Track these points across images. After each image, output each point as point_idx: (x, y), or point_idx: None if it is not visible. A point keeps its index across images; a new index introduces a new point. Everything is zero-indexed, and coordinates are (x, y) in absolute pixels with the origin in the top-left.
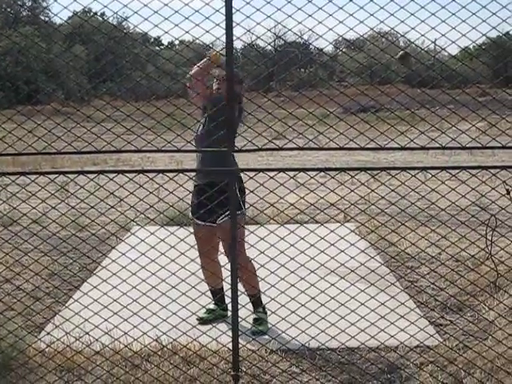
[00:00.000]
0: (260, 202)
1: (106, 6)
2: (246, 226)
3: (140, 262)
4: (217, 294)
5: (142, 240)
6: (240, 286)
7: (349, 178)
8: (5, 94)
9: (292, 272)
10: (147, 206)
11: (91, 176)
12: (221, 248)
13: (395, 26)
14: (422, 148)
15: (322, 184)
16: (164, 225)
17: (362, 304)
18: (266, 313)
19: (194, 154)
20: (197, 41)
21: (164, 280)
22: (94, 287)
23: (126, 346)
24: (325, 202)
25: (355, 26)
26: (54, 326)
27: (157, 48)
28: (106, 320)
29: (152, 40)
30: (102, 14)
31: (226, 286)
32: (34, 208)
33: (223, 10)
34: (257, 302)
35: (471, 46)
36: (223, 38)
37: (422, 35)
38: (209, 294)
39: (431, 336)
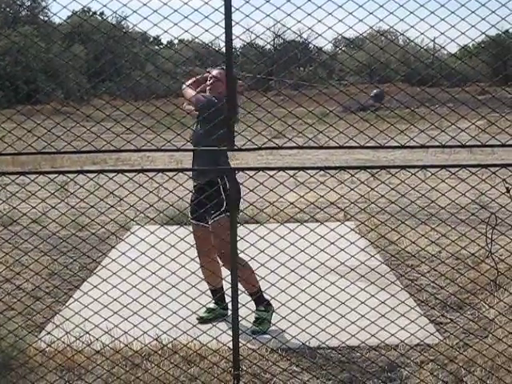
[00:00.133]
0: (260, 201)
1: (105, 6)
2: (245, 225)
3: (140, 262)
4: (217, 293)
5: (142, 239)
6: (240, 285)
7: (349, 177)
8: (4, 93)
9: (292, 271)
10: (147, 206)
11: (91, 175)
12: None
13: (395, 24)
14: (422, 146)
15: (321, 183)
16: (164, 224)
17: (362, 302)
18: (268, 310)
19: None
20: (196, 40)
21: (164, 279)
22: (94, 287)
23: (126, 346)
24: (325, 201)
25: (354, 25)
26: (55, 326)
27: (156, 47)
28: (106, 319)
29: (151, 39)
30: (101, 14)
31: (226, 285)
32: (33, 208)
33: (222, 9)
34: (257, 300)
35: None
36: (222, 37)
37: (422, 33)
38: (209, 293)
39: (431, 334)
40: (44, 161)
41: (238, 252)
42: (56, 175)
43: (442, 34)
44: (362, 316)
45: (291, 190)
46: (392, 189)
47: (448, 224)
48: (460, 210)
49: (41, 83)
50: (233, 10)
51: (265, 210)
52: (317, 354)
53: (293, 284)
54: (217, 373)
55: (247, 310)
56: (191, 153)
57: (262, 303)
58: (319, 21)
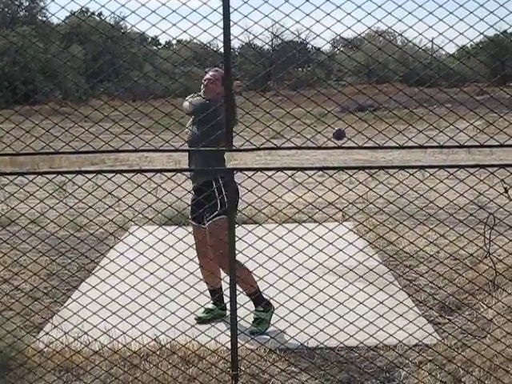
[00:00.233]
0: (258, 201)
1: (103, 6)
2: (244, 226)
3: (138, 262)
4: (215, 293)
5: (141, 240)
6: (238, 286)
7: (347, 177)
8: (2, 94)
9: (290, 271)
10: (145, 206)
11: (89, 176)
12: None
13: (393, 24)
14: (420, 147)
15: (320, 183)
16: (162, 224)
17: (361, 303)
18: (267, 311)
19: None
20: (194, 40)
21: (162, 280)
22: (93, 287)
23: (124, 346)
24: (323, 201)
25: (353, 25)
26: (53, 326)
27: (154, 48)
28: (104, 320)
29: (149, 39)
30: (100, 14)
31: (225, 286)
32: (32, 208)
33: (221, 10)
34: (256, 300)
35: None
36: (221, 38)
37: (420, 34)
38: (207, 293)
39: (430, 335)
40: (42, 161)
41: (236, 253)
42: (54, 175)
43: (441, 34)
44: (361, 316)
45: (289, 191)
46: (390, 189)
47: (446, 224)
48: (458, 211)
49: (39, 83)
50: (231, 10)
51: (263, 211)
52: (315, 354)
53: (291, 284)
54: (215, 373)
55: (246, 311)
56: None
57: (261, 303)
58: (317, 21)
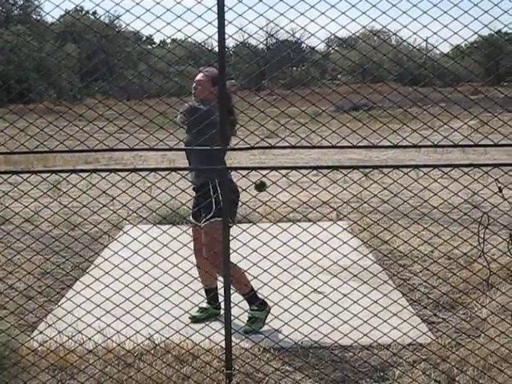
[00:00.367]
0: (252, 200)
1: (97, 5)
2: (238, 225)
3: (132, 261)
4: (210, 292)
5: (135, 239)
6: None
7: (341, 177)
8: None
9: (285, 270)
10: (140, 205)
11: (83, 175)
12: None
13: (387, 24)
14: (414, 146)
15: (314, 182)
16: (156, 223)
17: (355, 302)
18: (262, 310)
19: (187, 153)
20: (189, 39)
21: (156, 278)
22: (87, 286)
23: (118, 345)
24: (317, 201)
25: (347, 25)
26: (47, 325)
27: (149, 46)
28: (98, 319)
29: (144, 38)
30: (94, 13)
31: (220, 285)
32: (26, 207)
33: (215, 9)
34: (250, 299)
35: (463, 44)
36: (215, 37)
37: (414, 33)
38: (201, 292)
39: (424, 334)
40: (36, 160)
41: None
42: (48, 174)
43: (435, 33)
44: (355, 315)
45: (284, 190)
46: (384, 188)
47: (440, 223)
48: (452, 210)
49: (33, 82)
50: (226, 9)
51: (257, 210)
52: (309, 353)
53: (285, 283)
54: (209, 372)
55: (240, 310)
56: (184, 152)
57: (255, 302)
58: (312, 20)
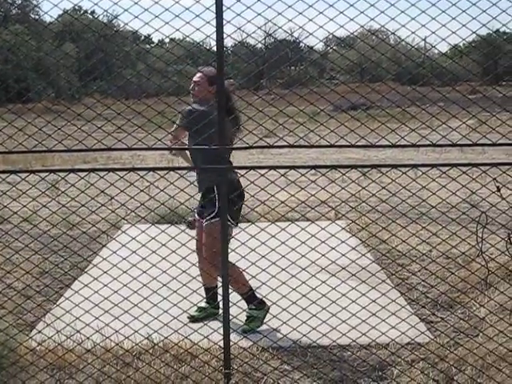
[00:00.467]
0: (251, 200)
1: (96, 4)
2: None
3: (131, 260)
4: (210, 291)
5: (133, 238)
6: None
7: (339, 176)
8: None
9: (283, 269)
10: (138, 204)
11: (82, 174)
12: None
13: (385, 23)
14: (413, 145)
15: (312, 181)
16: (155, 223)
17: (353, 301)
18: (260, 309)
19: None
20: (187, 38)
21: (155, 278)
22: (85, 285)
23: (117, 344)
24: (316, 200)
25: (345, 24)
26: (45, 325)
27: (147, 46)
28: (97, 318)
29: (142, 38)
30: (92, 12)
31: (219, 285)
32: (24, 206)
33: (213, 8)
34: (248, 299)
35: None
36: (213, 36)
37: (413, 33)
38: (200, 291)
39: (422, 333)
40: (35, 159)
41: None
42: (47, 174)
43: (433, 33)
44: (353, 315)
45: (282, 189)
46: (383, 188)
47: (439, 223)
48: (451, 209)
49: (31, 82)
50: (224, 8)
51: (256, 209)
52: (308, 352)
53: (284, 283)
54: (208, 371)
55: (238, 309)
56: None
57: (253, 302)
58: (310, 20)
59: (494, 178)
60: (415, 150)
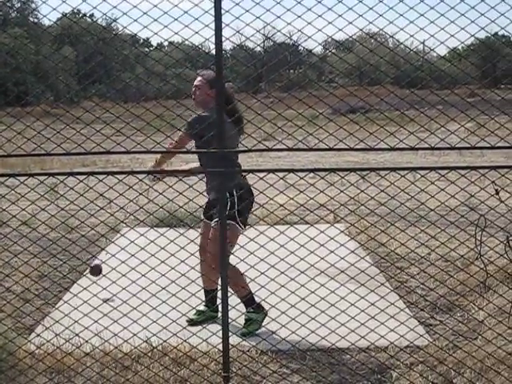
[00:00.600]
0: None
1: (95, 8)
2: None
3: (130, 264)
4: (209, 293)
5: (132, 241)
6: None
7: (338, 179)
8: None
9: (282, 273)
10: (137, 208)
11: (80, 177)
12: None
13: (384, 26)
14: (412, 148)
15: (311, 185)
16: (154, 226)
17: (352, 304)
18: (258, 312)
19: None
20: (186, 42)
21: (154, 281)
22: (84, 289)
23: (116, 348)
24: (314, 203)
25: (344, 27)
26: (44, 328)
27: (146, 49)
28: (95, 321)
29: (141, 41)
30: (91, 16)
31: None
32: (23, 210)
33: (212, 11)
34: (247, 302)
35: (460, 47)
36: (212, 39)
37: (411, 36)
38: (199, 295)
39: (421, 336)
40: (33, 163)
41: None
42: (46, 177)
43: (432, 36)
44: (352, 318)
45: (281, 192)
46: (382, 191)
47: (437, 226)
48: (449, 212)
49: (30, 85)
50: (223, 12)
51: (254, 212)
52: (307, 355)
53: (282, 286)
54: (206, 375)
55: (237, 312)
56: (180, 155)
57: (252, 305)
58: (309, 23)
59: (493, 181)
60: (414, 153)
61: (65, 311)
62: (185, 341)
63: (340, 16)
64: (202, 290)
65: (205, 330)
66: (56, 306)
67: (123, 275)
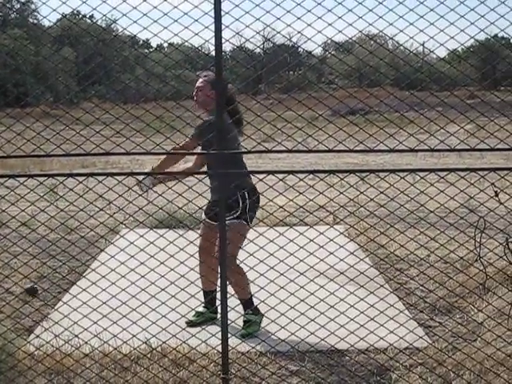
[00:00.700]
0: None
1: (94, 9)
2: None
3: (129, 265)
4: (208, 295)
5: (131, 242)
6: (230, 288)
7: (338, 181)
8: None
9: (281, 274)
10: (136, 209)
11: (80, 178)
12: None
13: (384, 28)
14: (411, 150)
15: (311, 186)
16: (153, 227)
17: (352, 306)
18: (257, 314)
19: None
20: (186, 43)
21: (153, 283)
22: (83, 290)
23: (115, 349)
24: (314, 205)
25: (344, 29)
26: (43, 329)
27: (146, 50)
28: (95, 323)
29: (141, 42)
30: (91, 17)
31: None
32: (22, 211)
33: (212, 13)
34: (247, 304)
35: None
36: (212, 41)
37: (411, 38)
38: (198, 296)
39: (420, 338)
40: (33, 164)
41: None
42: (45, 178)
43: (431, 38)
44: (351, 319)
45: (280, 194)
46: (381, 192)
47: (437, 228)
48: (449, 214)
49: (30, 86)
50: (222, 13)
51: None
52: (306, 357)
53: (282, 287)
54: (206, 376)
55: (236, 314)
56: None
57: (251, 307)
58: (309, 25)
59: (492, 183)
60: (413, 155)
61: (64, 312)
62: (184, 342)
63: (340, 18)
64: (201, 292)
65: (204, 331)
66: (55, 308)
67: (122, 276)
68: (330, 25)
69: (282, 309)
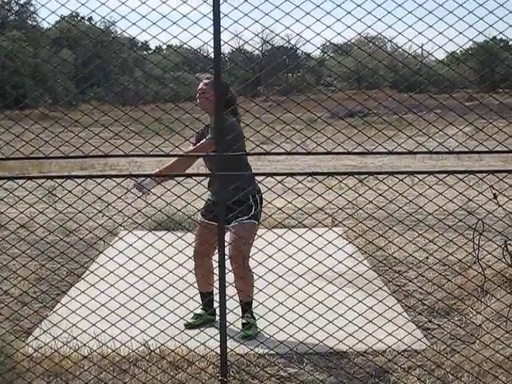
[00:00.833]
0: None
1: (93, 11)
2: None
3: (128, 267)
4: (206, 297)
5: (130, 245)
6: (228, 291)
7: (336, 183)
8: None
9: (280, 276)
10: (135, 211)
11: (79, 181)
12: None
13: (382, 31)
14: (410, 152)
15: (309, 188)
16: (152, 229)
17: (350, 308)
18: (254, 318)
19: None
20: (185, 45)
21: (152, 285)
22: (82, 292)
23: (113, 351)
24: (312, 207)
25: (343, 31)
26: (42, 331)
27: (144, 53)
28: (93, 325)
29: (140, 44)
30: (90, 19)
31: (216, 291)
32: (21, 213)
33: (211, 15)
34: (245, 306)
35: (458, 51)
36: (211, 43)
37: (410, 40)
38: (196, 298)
39: (419, 340)
40: (32, 166)
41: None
42: (44, 180)
43: (430, 40)
44: (350, 322)
45: (279, 196)
46: (380, 195)
47: (435, 230)
48: (447, 216)
49: (29, 88)
50: (221, 15)
51: None
52: (304, 359)
53: (280, 289)
54: (204, 378)
55: (235, 316)
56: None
57: (249, 310)
58: (307, 27)
59: (491, 186)
60: (412, 157)
61: (62, 314)
62: (182, 344)
63: (338, 20)
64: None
65: (202, 333)
66: (54, 309)
67: (121, 278)
68: (328, 27)
69: (280, 311)
